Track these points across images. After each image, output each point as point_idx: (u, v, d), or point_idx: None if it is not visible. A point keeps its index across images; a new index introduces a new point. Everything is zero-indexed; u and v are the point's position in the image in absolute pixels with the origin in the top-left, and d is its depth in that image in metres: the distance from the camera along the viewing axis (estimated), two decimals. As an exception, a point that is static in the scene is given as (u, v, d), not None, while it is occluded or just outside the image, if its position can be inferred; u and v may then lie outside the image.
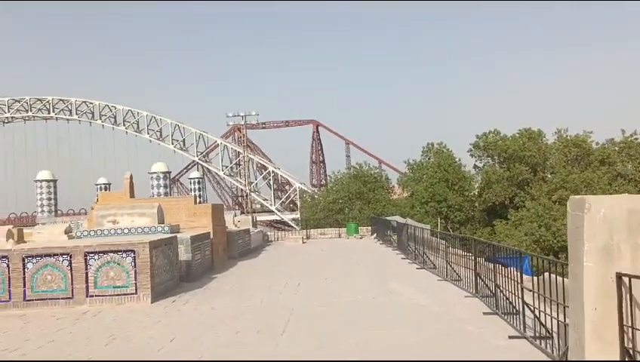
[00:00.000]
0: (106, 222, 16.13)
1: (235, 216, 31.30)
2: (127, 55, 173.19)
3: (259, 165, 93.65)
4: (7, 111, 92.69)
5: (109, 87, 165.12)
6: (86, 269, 12.07)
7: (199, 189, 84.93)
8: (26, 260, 12.06)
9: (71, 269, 12.06)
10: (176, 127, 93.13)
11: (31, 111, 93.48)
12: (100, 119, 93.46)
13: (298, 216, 70.77)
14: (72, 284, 12.02)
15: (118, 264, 12.12)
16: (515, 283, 8.60)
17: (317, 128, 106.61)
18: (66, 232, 18.87)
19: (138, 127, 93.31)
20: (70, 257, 12.08)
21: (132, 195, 19.96)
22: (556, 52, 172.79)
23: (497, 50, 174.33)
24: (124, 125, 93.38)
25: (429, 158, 46.47)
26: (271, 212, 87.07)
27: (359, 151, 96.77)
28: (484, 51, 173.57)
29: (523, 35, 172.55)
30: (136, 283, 12.08)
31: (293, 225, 76.45)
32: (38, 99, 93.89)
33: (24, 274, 12.02)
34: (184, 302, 12.06)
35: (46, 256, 12.09)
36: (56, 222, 37.86)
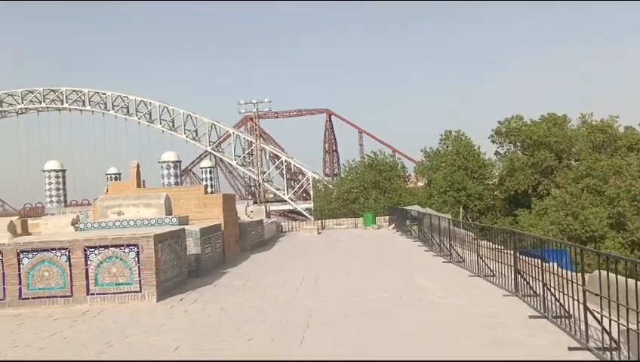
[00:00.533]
0: (110, 213, 15.11)
1: (248, 206, 30.25)
2: (139, 45, 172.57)
3: (271, 155, 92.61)
4: (21, 102, 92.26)
5: (122, 78, 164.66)
6: (86, 265, 11.05)
7: (211, 179, 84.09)
8: (21, 255, 11.06)
9: (70, 265, 11.05)
10: (189, 117, 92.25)
11: (44, 102, 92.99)
12: (113, 110, 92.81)
13: (311, 205, 69.83)
14: (71, 281, 11.02)
15: (121, 259, 11.08)
16: (568, 281, 7.43)
17: (329, 117, 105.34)
18: (73, 223, 17.91)
19: (150, 118, 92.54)
20: (69, 252, 11.06)
21: (139, 185, 18.94)
22: (581, 33, 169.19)
23: (517, 33, 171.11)
24: (137, 115, 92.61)
25: (447, 146, 45.05)
26: (284, 201, 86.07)
27: (372, 140, 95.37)
28: (502, 36, 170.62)
29: (544, 17, 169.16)
30: (140, 281, 11.04)
31: (306, 214, 75.54)
32: (52, 90, 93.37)
33: (19, 270, 11.03)
34: (192, 301, 11.00)
35: (43, 250, 11.09)
36: (66, 213, 37.08)
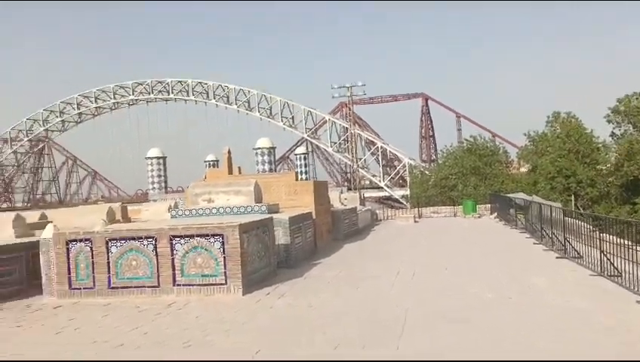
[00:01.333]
0: (200, 201, 14.77)
1: (342, 193, 29.43)
2: (237, 34, 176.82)
3: (367, 141, 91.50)
4: (131, 93, 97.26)
5: (222, 68, 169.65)
6: (172, 255, 10.62)
7: (305, 165, 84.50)
8: (109, 243, 10.83)
9: (156, 254, 10.67)
10: (285, 105, 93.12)
11: (152, 93, 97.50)
12: (214, 99, 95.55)
13: (407, 192, 68.26)
14: (157, 271, 10.64)
15: (206, 249, 10.54)
16: None
17: (426, 102, 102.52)
18: (170, 210, 17.90)
19: (249, 106, 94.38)
20: (155, 241, 10.68)
21: (230, 171, 18.59)
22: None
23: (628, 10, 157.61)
24: (236, 104, 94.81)
25: (554, 129, 41.64)
26: (380, 188, 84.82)
27: (471, 125, 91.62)
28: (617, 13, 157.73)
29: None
30: (225, 272, 10.45)
31: (402, 201, 74.08)
32: (159, 82, 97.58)
33: (108, 258, 10.80)
34: (279, 296, 10.26)
35: (130, 239, 10.79)
36: (166, 199, 38.16)
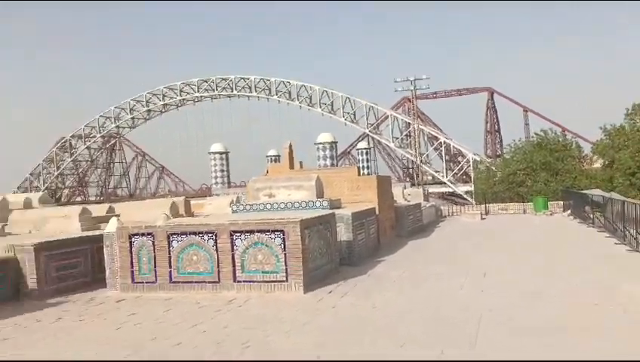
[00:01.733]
0: (262, 196, 14.51)
1: (405, 188, 28.64)
2: (298, 31, 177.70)
3: (430, 136, 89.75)
4: (197, 91, 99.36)
5: (284, 64, 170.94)
6: (232, 250, 10.35)
7: (367, 160, 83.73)
8: (171, 238, 10.69)
9: (217, 250, 10.43)
10: (347, 100, 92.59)
11: (217, 90, 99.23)
12: (276, 95, 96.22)
13: (472, 188, 66.50)
14: (218, 267, 10.41)
15: (267, 246, 10.21)
16: None
17: (491, 95, 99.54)
18: (231, 204, 17.82)
19: (311, 102, 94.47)
20: (215, 236, 10.45)
21: (292, 166, 18.27)
22: None
23: None
24: (298, 100, 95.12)
25: (634, 122, 39.00)
26: (442, 184, 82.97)
27: (539, 119, 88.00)
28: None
29: None
30: (286, 269, 10.09)
31: (467, 197, 72.25)
32: (223, 79, 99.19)
33: (169, 253, 10.66)
34: (342, 294, 9.80)
35: (191, 233, 10.61)
36: (228, 194, 38.49)
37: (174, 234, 10.65)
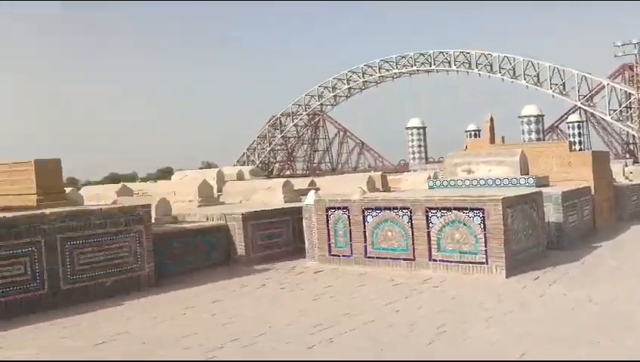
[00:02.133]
0: (459, 171, 13.70)
1: (626, 165, 25.14)
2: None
3: (656, 107, 78.23)
4: (395, 67, 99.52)
5: (484, 36, 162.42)
6: (428, 228, 9.86)
7: (579, 135, 75.88)
8: (365, 212, 10.56)
9: (412, 226, 10.03)
10: (555, 70, 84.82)
11: (415, 65, 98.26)
12: (477, 68, 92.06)
13: None
14: (412, 244, 10.02)
15: (465, 224, 9.52)
16: None
17: None
18: (428, 180, 17.30)
19: (514, 73, 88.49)
20: (410, 212, 10.05)
21: (492, 140, 16.99)
22: None
23: None
24: (500, 72, 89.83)
25: None
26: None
27: None
28: None
29: None
30: (486, 251, 9.31)
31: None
32: (421, 54, 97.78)
33: (364, 227, 10.56)
34: (550, 283, 8.74)
35: (385, 209, 10.35)
36: (425, 169, 37.79)
37: (369, 208, 10.50)
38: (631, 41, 57.61)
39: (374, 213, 10.45)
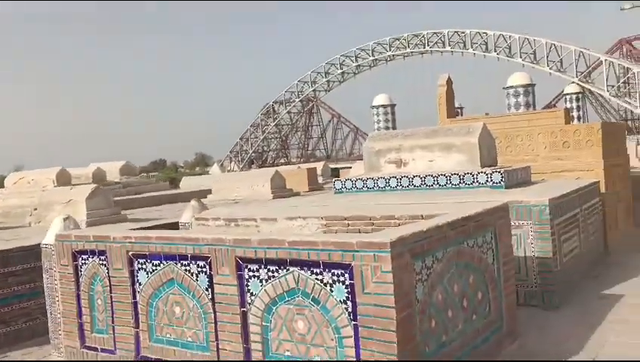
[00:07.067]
0: (384, 163, 7.95)
1: (639, 144, 19.02)
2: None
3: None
4: (389, 49, 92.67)
5: (478, 14, 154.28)
6: (243, 302, 4.17)
7: (578, 108, 68.24)
8: (136, 264, 4.89)
9: (212, 298, 4.36)
10: (552, 47, 77.91)
11: (409, 47, 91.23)
12: (472, 47, 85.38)
13: None
14: (216, 337, 4.40)
15: (315, 301, 3.77)
16: None
17: None
18: (335, 181, 11.52)
19: (510, 52, 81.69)
20: (210, 267, 4.33)
21: (451, 112, 10.97)
22: None
23: None
24: (496, 51, 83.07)
25: None
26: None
27: None
28: None
29: None
30: (355, 372, 3.52)
31: None
32: (415, 35, 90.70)
33: (134, 295, 4.89)
34: None
35: (167, 258, 4.67)
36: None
37: (141, 256, 4.75)
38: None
39: (150, 266, 4.71)
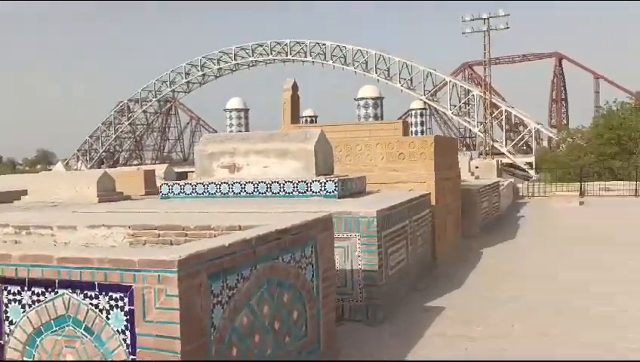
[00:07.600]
0: (217, 167, 7.36)
1: (472, 159, 20.67)
2: None
3: (490, 104, 79.70)
4: (251, 55, 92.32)
5: (338, 29, 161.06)
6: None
7: (422, 124, 73.07)
8: None
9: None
10: (404, 66, 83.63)
11: (271, 54, 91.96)
12: (332, 60, 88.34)
13: (532, 159, 58.87)
14: None
15: (87, 331, 3.03)
16: None
17: (559, 62, 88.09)
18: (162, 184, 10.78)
19: (367, 67, 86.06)
20: None
21: (295, 118, 10.75)
22: None
23: None
24: (354, 65, 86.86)
25: None
26: (501, 154, 73.35)
27: (612, 88, 76.56)
28: None
29: None
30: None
31: (525, 168, 64.27)
32: (277, 43, 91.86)
33: None
34: None
35: None
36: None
37: None
38: (481, 16, 53.56)
39: None
